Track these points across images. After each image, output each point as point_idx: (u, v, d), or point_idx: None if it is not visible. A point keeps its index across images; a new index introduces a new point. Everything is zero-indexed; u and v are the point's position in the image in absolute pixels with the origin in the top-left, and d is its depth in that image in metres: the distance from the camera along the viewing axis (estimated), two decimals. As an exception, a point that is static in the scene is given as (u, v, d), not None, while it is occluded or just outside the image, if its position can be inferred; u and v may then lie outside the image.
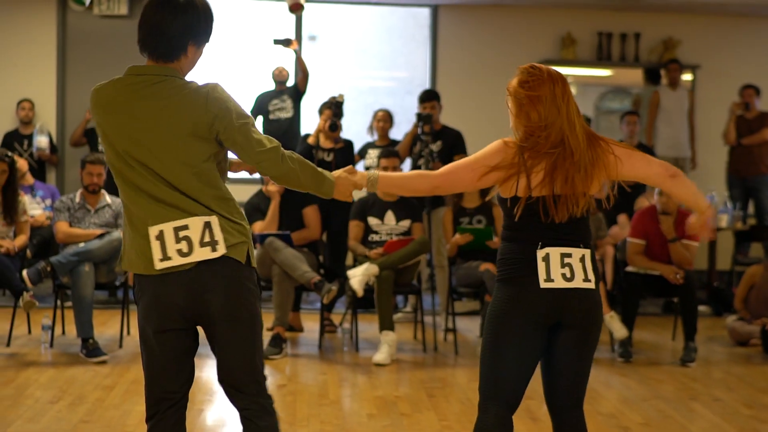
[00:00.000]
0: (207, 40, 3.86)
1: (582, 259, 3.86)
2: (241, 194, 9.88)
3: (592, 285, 3.87)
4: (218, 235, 3.61)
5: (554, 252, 3.83)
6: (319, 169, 3.81)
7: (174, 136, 3.59)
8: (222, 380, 3.78)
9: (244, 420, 3.76)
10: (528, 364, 3.90)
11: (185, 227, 3.61)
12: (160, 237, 3.62)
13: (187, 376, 3.82)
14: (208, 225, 3.61)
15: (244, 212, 3.78)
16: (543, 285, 3.81)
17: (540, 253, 3.83)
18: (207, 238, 3.60)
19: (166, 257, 3.62)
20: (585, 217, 3.91)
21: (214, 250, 3.60)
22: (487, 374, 3.92)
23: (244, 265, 3.67)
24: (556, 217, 3.82)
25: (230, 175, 3.92)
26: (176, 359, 3.76)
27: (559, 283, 3.82)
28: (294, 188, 3.76)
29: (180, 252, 3.61)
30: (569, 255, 3.84)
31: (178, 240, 3.61)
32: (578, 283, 3.84)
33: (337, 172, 3.94)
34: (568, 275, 3.83)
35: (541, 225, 3.84)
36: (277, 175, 3.70)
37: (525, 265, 3.84)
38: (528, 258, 3.84)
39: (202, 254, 3.61)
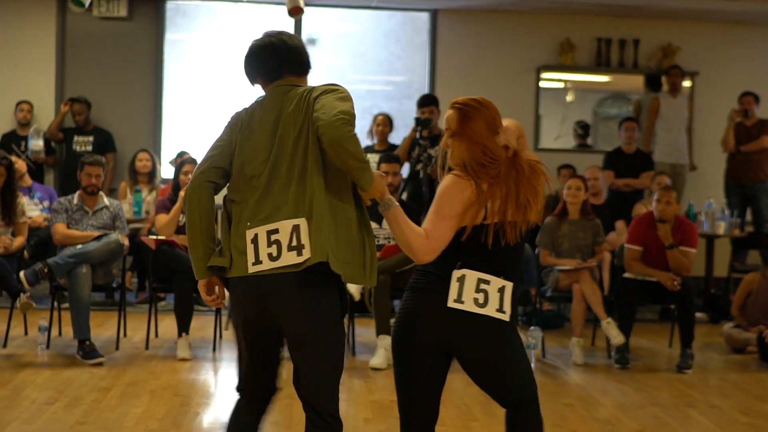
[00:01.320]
0: None
1: (501, 290, 3.78)
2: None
3: (505, 317, 3.79)
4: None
5: (471, 275, 3.75)
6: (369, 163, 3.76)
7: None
8: None
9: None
10: (434, 383, 3.88)
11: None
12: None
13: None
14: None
15: None
16: (450, 304, 3.73)
17: (456, 273, 3.75)
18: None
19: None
20: (519, 247, 3.85)
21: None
22: (399, 395, 3.95)
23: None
24: (503, 241, 3.75)
25: None
26: None
27: (468, 306, 3.74)
28: (341, 157, 3.63)
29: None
30: (487, 282, 3.76)
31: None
32: (490, 311, 3.75)
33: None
34: (481, 301, 3.74)
35: (469, 247, 3.76)
36: (330, 133, 3.58)
37: (439, 280, 3.78)
38: (444, 274, 3.77)
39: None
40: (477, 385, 3.96)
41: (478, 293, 3.74)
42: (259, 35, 4.11)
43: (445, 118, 3.93)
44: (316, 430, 3.82)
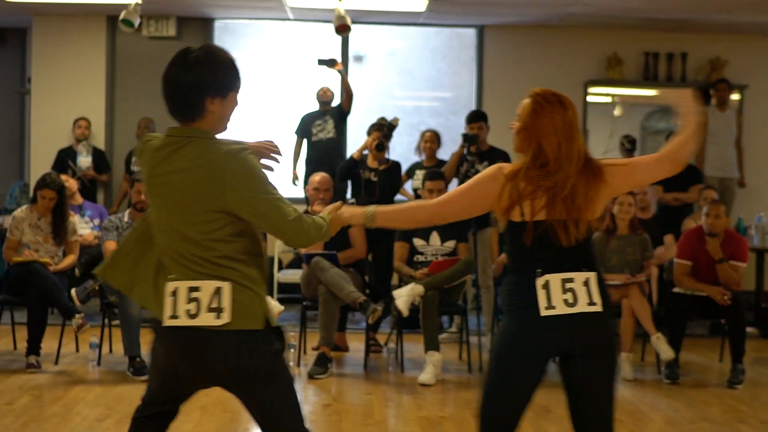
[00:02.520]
0: (232, 89, 3.63)
1: (586, 283, 3.79)
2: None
3: (598, 308, 3.79)
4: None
5: (554, 278, 3.76)
6: (319, 220, 3.82)
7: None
8: None
9: None
10: (524, 397, 3.86)
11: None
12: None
13: None
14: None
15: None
16: (544, 313, 3.75)
17: (539, 281, 3.77)
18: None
19: None
20: (588, 239, 3.85)
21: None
22: (483, 405, 3.89)
23: None
24: (559, 241, 3.76)
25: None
26: None
27: (560, 310, 3.75)
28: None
29: None
30: (571, 280, 3.77)
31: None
32: (582, 307, 3.77)
33: (327, 209, 3.99)
34: (571, 300, 3.76)
35: (541, 252, 3.78)
36: (298, 244, 3.77)
37: (525, 294, 3.79)
38: (528, 287, 3.78)
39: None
40: (583, 398, 3.88)
41: (566, 293, 3.77)
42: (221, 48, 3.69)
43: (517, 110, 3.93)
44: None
